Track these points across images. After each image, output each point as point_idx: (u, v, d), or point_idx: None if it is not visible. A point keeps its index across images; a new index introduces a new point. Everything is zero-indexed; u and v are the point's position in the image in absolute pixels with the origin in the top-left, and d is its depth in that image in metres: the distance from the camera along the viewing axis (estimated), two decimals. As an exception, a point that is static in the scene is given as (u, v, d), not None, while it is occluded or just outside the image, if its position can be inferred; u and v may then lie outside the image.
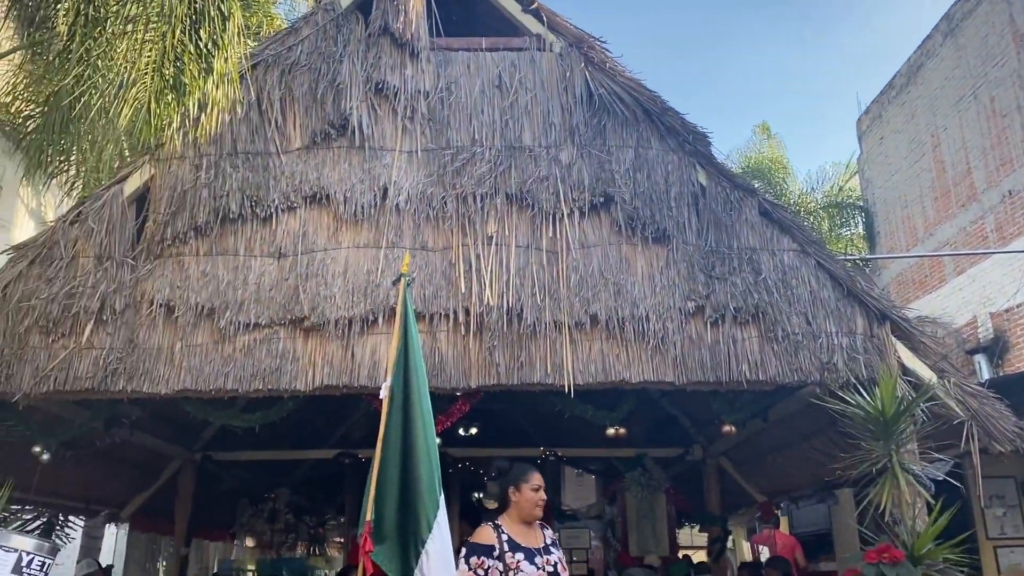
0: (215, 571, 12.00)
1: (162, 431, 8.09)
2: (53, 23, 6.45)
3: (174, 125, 5.43)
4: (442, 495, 4.04)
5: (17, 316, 5.12)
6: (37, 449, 5.87)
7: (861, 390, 4.77)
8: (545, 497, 4.18)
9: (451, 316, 5.11)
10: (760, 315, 5.15)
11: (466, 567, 3.92)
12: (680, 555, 10.60)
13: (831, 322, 5.17)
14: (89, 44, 5.52)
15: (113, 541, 11.39)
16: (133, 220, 5.46)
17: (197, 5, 5.54)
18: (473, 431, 10.63)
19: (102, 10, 5.56)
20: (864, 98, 17.57)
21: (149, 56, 5.45)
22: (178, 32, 5.47)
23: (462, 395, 5.38)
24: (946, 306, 11.81)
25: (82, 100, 6.28)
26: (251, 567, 12.14)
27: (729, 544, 12.26)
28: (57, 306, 5.15)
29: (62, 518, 8.24)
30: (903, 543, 4.37)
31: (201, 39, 5.49)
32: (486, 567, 3.92)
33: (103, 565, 8.19)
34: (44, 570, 1.77)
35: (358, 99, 5.65)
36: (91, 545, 10.44)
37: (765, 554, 12.30)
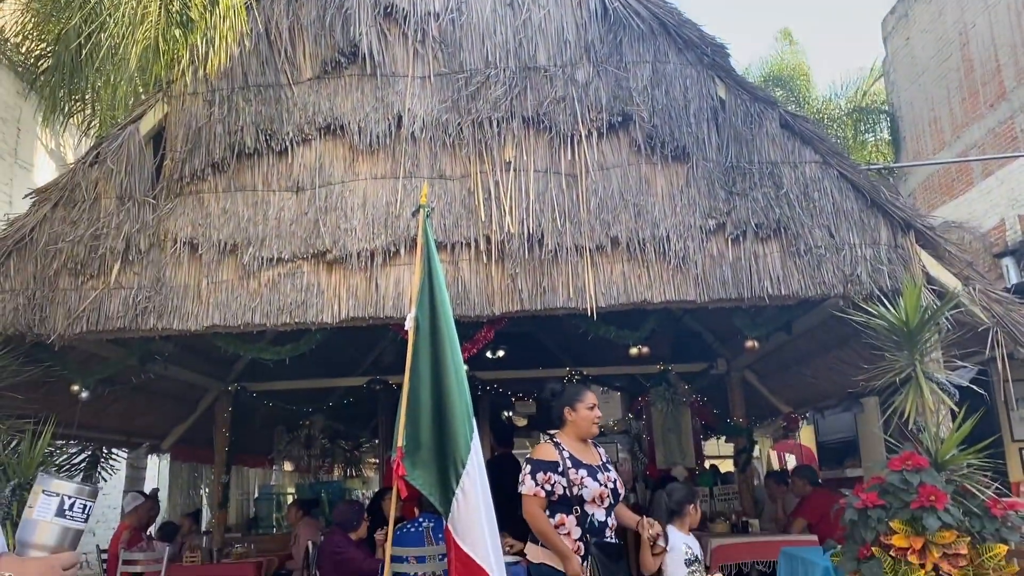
0: (256, 496, 12.42)
1: (196, 364, 8.28)
2: (55, -40, 6.36)
3: (184, 61, 5.38)
4: (473, 419, 4.14)
5: (46, 259, 5.21)
6: (75, 387, 6.05)
7: (885, 301, 4.76)
8: (600, 415, 4.27)
9: (472, 244, 5.12)
10: (782, 230, 5.11)
11: (533, 483, 4.03)
12: (707, 466, 10.83)
13: (854, 234, 5.12)
14: (93, -19, 5.44)
15: (156, 471, 11.79)
16: (151, 159, 5.48)
17: (199, -65, 5.42)
18: (500, 354, 10.79)
19: (103, -55, 5.47)
20: (890, -4, 16.94)
21: (154, -9, 5.37)
22: (181, -35, 5.37)
23: (486, 322, 5.43)
24: (973, 210, 11.61)
25: (91, 40, 6.24)
26: (290, 491, 12.56)
27: (756, 453, 12.48)
28: (84, 248, 5.23)
29: (105, 451, 8.54)
30: (927, 450, 4.40)
31: (205, -29, 5.39)
32: (552, 483, 4.02)
33: (149, 491, 8.49)
34: (86, 512, 1.84)
35: (367, 24, 5.54)
36: (135, 476, 10.83)
37: (791, 462, 12.52)
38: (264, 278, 5.12)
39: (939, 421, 4.65)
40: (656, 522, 4.19)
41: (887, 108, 15.01)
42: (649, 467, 9.77)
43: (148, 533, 7.96)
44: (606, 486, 4.10)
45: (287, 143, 5.36)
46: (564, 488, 4.02)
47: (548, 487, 4.02)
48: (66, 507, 1.79)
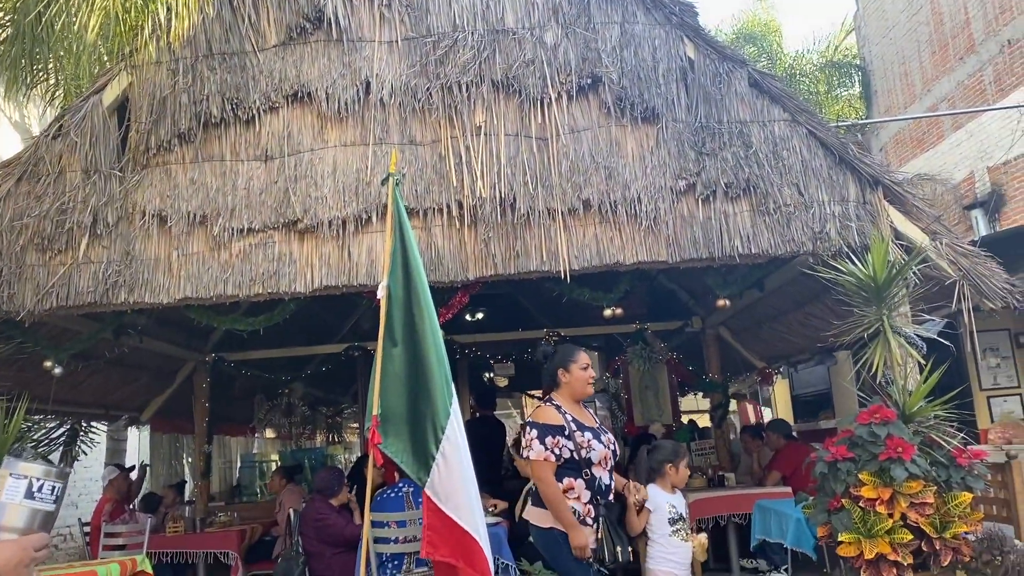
0: (239, 465, 12.47)
1: (171, 336, 8.25)
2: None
3: (146, 31, 5.27)
4: (452, 385, 4.16)
5: (12, 235, 5.14)
6: (48, 363, 6.01)
7: (853, 257, 4.82)
8: (594, 374, 4.23)
9: (444, 210, 5.11)
10: (751, 188, 5.15)
11: (542, 447, 3.97)
12: (685, 421, 10.99)
13: (823, 191, 5.17)
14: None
15: (137, 443, 11.79)
16: (116, 131, 5.38)
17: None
18: (479, 316, 10.82)
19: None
20: (861, -52, 16.84)
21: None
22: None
23: (461, 287, 5.45)
24: (944, 163, 11.73)
25: (49, 8, 6.09)
26: (274, 458, 12.62)
27: (732, 407, 12.67)
28: (50, 223, 5.16)
29: (84, 425, 8.52)
30: (895, 403, 4.50)
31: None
32: (560, 446, 3.98)
33: (131, 465, 8.50)
34: (55, 494, 1.85)
35: (332, -13, 5.44)
36: (116, 448, 10.82)
37: (768, 416, 12.72)
38: (235, 249, 5.09)
39: (907, 374, 4.74)
40: (641, 487, 4.26)
41: (859, 63, 15.03)
42: (627, 425, 9.90)
43: (132, 505, 7.99)
44: (608, 448, 4.10)
45: (254, 112, 5.29)
46: (572, 452, 3.98)
47: (556, 451, 3.97)
48: (35, 489, 1.80)
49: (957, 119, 11.41)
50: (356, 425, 14.39)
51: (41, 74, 9.07)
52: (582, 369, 4.18)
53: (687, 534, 4.31)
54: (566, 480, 3.99)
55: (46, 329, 6.03)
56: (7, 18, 8.90)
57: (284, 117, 5.30)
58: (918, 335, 4.84)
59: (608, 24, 5.42)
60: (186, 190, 5.21)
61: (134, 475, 8.61)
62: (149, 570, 5.45)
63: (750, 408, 14.01)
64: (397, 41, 5.41)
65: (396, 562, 5.15)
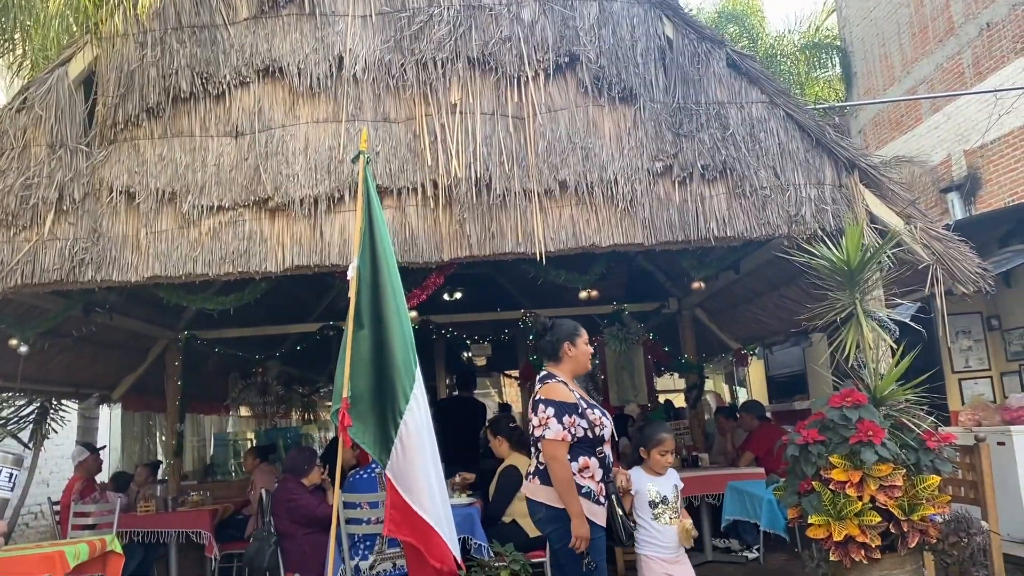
0: (212, 443, 12.40)
1: (142, 314, 8.13)
2: None
3: (112, 1, 5.14)
4: (417, 368, 4.13)
5: (-26, 211, 5.02)
6: (14, 342, 5.90)
7: (828, 241, 4.81)
8: (590, 350, 4.17)
9: (419, 189, 5.05)
10: (728, 171, 5.12)
11: (560, 427, 3.82)
12: (661, 400, 11.04)
13: (799, 174, 5.15)
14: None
15: (108, 421, 11.67)
16: (82, 104, 5.26)
17: None
18: (457, 296, 10.77)
19: None
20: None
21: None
22: None
23: (435, 268, 5.39)
24: (922, 145, 11.76)
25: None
26: (249, 436, 12.55)
27: (708, 387, 12.74)
28: (14, 198, 5.04)
29: (54, 402, 8.42)
30: (867, 386, 4.52)
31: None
32: (576, 425, 3.86)
33: (101, 445, 8.41)
34: (12, 481, 1.80)
35: (304, -41, 5.32)
36: (88, 426, 10.71)
37: (743, 397, 12.81)
38: (205, 227, 5.00)
39: (879, 357, 4.76)
40: (624, 471, 4.21)
41: (839, 44, 15.01)
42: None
43: (101, 483, 7.91)
44: (611, 422, 4.05)
45: (224, 86, 5.18)
46: (585, 430, 3.87)
47: (573, 430, 3.84)
48: (-12, 476, 1.74)
49: (936, 102, 11.44)
50: (331, 404, 14.33)
51: (7, 44, 8.87)
52: (585, 344, 4.11)
53: (671, 518, 4.27)
54: (581, 459, 3.86)
55: (12, 307, 5.92)
56: (-29, -13, 8.68)
57: (255, 92, 5.20)
58: (891, 319, 4.85)
59: (586, 1, 5.35)
60: (155, 166, 5.10)
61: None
62: (119, 550, 5.39)
63: (725, 389, 14.13)
64: (371, 15, 5.31)
65: (368, 543, 5.14)
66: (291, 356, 10.88)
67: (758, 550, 7.20)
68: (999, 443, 6.57)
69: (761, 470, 6.82)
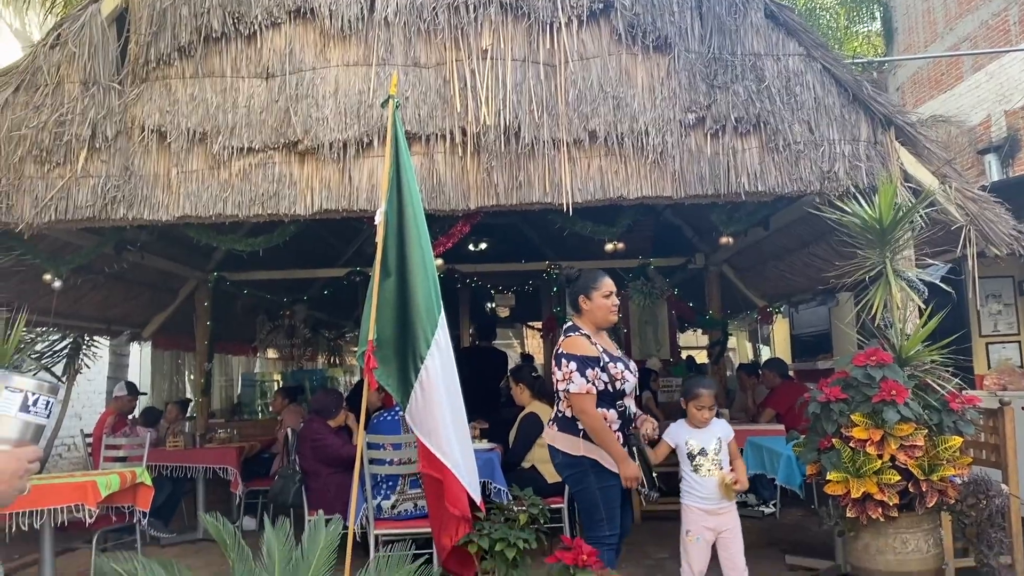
0: (240, 383, 12.62)
1: (173, 253, 8.24)
2: None
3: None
4: (441, 314, 4.16)
5: (10, 146, 5.07)
6: (48, 276, 6.01)
7: (861, 198, 4.75)
8: (618, 302, 4.09)
9: (447, 136, 5.02)
10: (762, 124, 5.04)
11: (584, 380, 3.86)
12: (683, 356, 11.06)
13: (834, 130, 5.06)
14: None
15: (139, 358, 11.92)
16: (115, 42, 5.26)
17: None
18: (483, 246, 10.79)
19: None
20: None
21: None
22: None
23: (462, 216, 5.40)
24: (961, 104, 11.49)
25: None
26: (276, 378, 12.77)
27: (731, 345, 12.73)
28: (48, 135, 5.08)
29: (87, 338, 8.60)
30: (892, 346, 4.50)
31: None
32: (597, 378, 3.90)
33: (137, 391, 8.57)
34: (48, 408, 1.85)
35: (339, -103, 5.24)
36: (119, 363, 10.95)
37: (766, 355, 12.79)
38: (235, 168, 5.03)
39: (906, 318, 4.73)
40: (650, 418, 4.21)
41: (881, -3, 14.61)
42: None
43: (132, 417, 8.11)
44: (635, 376, 4.09)
45: (256, 27, 5.15)
46: (606, 383, 3.92)
47: (595, 383, 3.89)
48: (29, 403, 1.80)
49: (977, 61, 11.14)
50: (356, 349, 14.52)
51: (40, -20, 8.88)
52: (604, 297, 4.03)
53: (709, 469, 4.32)
54: (600, 411, 3.90)
55: (46, 242, 6.02)
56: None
57: (286, 34, 5.17)
58: (921, 279, 4.80)
59: (622, -53, 5.22)
60: (186, 106, 5.12)
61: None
62: (148, 482, 5.56)
63: (748, 347, 14.10)
64: (404, -43, 5.23)
65: (391, 483, 5.25)
66: (318, 300, 11.01)
67: (774, 505, 7.27)
68: (1023, 408, 6.52)
69: (781, 427, 6.83)
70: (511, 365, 8.50)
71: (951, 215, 5.01)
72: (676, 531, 4.57)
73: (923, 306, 4.69)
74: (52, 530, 5.11)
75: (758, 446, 6.36)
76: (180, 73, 5.17)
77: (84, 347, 8.52)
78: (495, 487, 5.19)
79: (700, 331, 11.24)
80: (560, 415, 4.01)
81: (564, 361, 3.93)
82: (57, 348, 8.49)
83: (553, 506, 5.15)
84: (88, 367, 8.78)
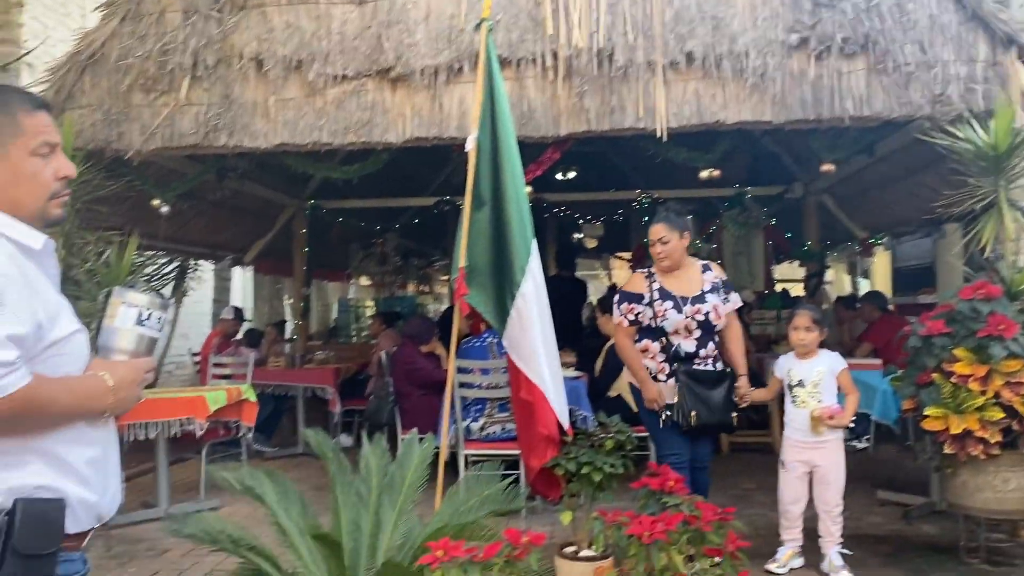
0: (336, 308, 13.03)
1: (271, 181, 8.48)
2: None
3: None
4: (534, 242, 4.18)
5: (118, 75, 5.26)
6: (156, 202, 6.29)
7: (975, 123, 4.48)
8: (660, 250, 4.23)
9: (538, 61, 4.94)
10: (870, 45, 4.76)
11: (618, 313, 4.31)
12: (778, 289, 10.81)
13: (949, 49, 4.74)
14: None
15: (241, 282, 12.41)
16: (214, -30, 5.35)
17: None
18: (571, 175, 10.69)
19: None
20: None
21: None
22: None
23: (552, 143, 5.34)
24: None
25: None
26: (368, 304, 13.13)
27: (828, 278, 12.36)
28: (153, 64, 5.24)
29: (193, 262, 9.00)
30: (1002, 279, 4.29)
31: None
32: (636, 312, 4.26)
33: (242, 315, 8.95)
34: (160, 323, 1.97)
35: None
36: (222, 286, 11.44)
37: (864, 289, 12.38)
38: (330, 96, 5.09)
39: (1018, 250, 4.49)
40: (749, 391, 4.30)
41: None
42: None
43: (236, 339, 8.51)
44: (692, 318, 4.17)
45: (348, -49, 5.14)
46: (649, 319, 4.22)
47: (631, 316, 4.26)
48: (144, 317, 1.91)
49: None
50: (445, 278, 14.75)
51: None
52: (651, 246, 4.30)
53: (804, 401, 4.27)
54: (644, 342, 4.28)
55: (153, 169, 6.27)
56: None
57: (378, -43, 5.14)
58: (1037, 209, 4.54)
59: None
60: (282, 33, 5.18)
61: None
62: (253, 399, 5.87)
63: (846, 280, 13.66)
64: None
65: (479, 406, 5.39)
66: (408, 229, 11.20)
67: (868, 440, 7.13)
68: None
69: (878, 361, 6.65)
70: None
71: (1075, 141, 4.68)
72: (765, 463, 4.56)
73: (1039, 237, 4.45)
74: (166, 441, 5.47)
75: (854, 380, 6.22)
76: (275, 0, 5.22)
77: (190, 271, 8.91)
78: (581, 414, 5.27)
79: (796, 263, 10.93)
80: None
81: (616, 295, 4.45)
82: (165, 271, 8.90)
83: (639, 434, 5.19)
84: (194, 290, 9.20)
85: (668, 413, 4.14)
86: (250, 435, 6.29)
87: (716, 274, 4.34)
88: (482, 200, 4.23)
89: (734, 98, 4.89)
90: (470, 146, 4.27)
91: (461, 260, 4.23)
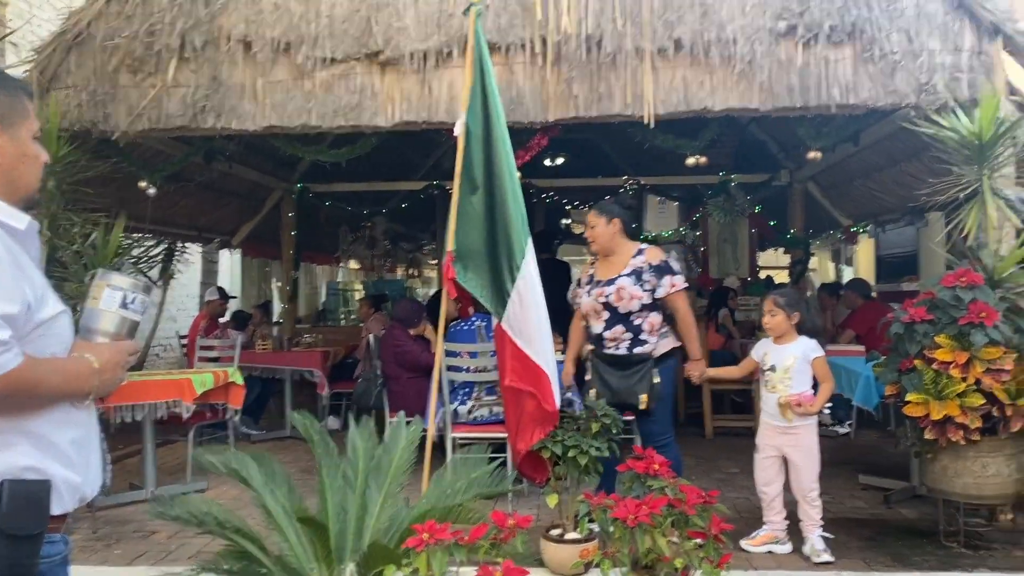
0: (324, 291, 13.02)
1: (260, 164, 8.46)
2: None
3: None
4: (527, 225, 4.20)
5: (104, 55, 5.23)
6: (143, 183, 6.26)
7: (959, 112, 4.52)
8: (589, 234, 4.58)
9: (527, 46, 4.94)
10: (857, 33, 4.78)
11: (572, 295, 4.75)
12: (762, 276, 10.88)
13: (935, 38, 4.77)
14: None
15: (229, 264, 12.37)
16: (200, -50, 5.30)
17: None
18: (560, 161, 10.70)
19: None
20: None
21: None
22: None
23: (540, 129, 5.35)
24: (1080, 12, 10.65)
25: None
26: (357, 287, 13.13)
27: (812, 265, 12.44)
28: (140, 44, 5.20)
29: (180, 245, 8.97)
30: (984, 267, 4.34)
31: None
32: (578, 296, 4.65)
33: (228, 295, 8.92)
34: (144, 307, 1.98)
35: None
36: (209, 269, 11.40)
37: (848, 276, 12.47)
38: (318, 79, 5.08)
39: (1001, 238, 4.54)
40: (697, 367, 4.57)
41: None
42: (702, 276, 9.87)
43: (224, 321, 8.49)
44: (596, 300, 4.43)
45: (337, -67, 5.11)
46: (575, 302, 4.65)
47: (575, 300, 4.67)
48: (128, 300, 1.92)
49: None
50: (435, 262, 14.76)
51: None
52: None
53: (774, 387, 4.32)
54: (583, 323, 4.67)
55: (140, 150, 6.24)
56: None
57: (368, -60, 5.12)
58: (1020, 198, 4.59)
59: None
60: (270, 15, 5.15)
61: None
62: (240, 382, 5.88)
63: (830, 267, 13.75)
64: None
65: (467, 389, 5.41)
66: (397, 213, 11.18)
67: (850, 425, 7.22)
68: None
69: (861, 347, 6.72)
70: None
71: (1058, 131, 4.73)
72: (748, 447, 4.61)
73: (1021, 226, 4.50)
74: (152, 423, 5.48)
75: (836, 367, 6.27)
76: (264, -19, 5.19)
77: (177, 253, 8.89)
78: (568, 397, 5.30)
79: (781, 250, 11.00)
80: None
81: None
82: (152, 253, 8.87)
83: (627, 418, 5.23)
84: (181, 272, 9.18)
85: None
86: (237, 418, 6.29)
87: (647, 258, 4.42)
88: (475, 185, 4.24)
89: (721, 85, 4.91)
90: (458, 130, 4.28)
91: (449, 244, 4.25)
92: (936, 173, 4.70)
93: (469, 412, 5.33)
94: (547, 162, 10.47)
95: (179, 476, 6.09)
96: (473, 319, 5.51)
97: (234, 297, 9.46)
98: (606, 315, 4.40)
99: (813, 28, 4.82)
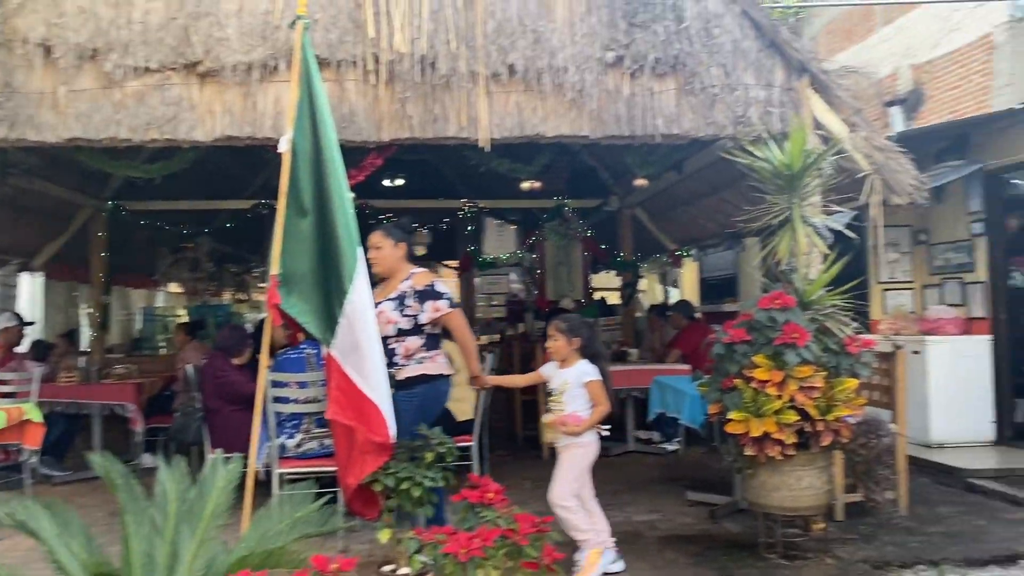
0: (141, 317, 12.16)
1: (65, 179, 7.77)
2: None
3: None
4: (360, 249, 4.04)
5: None
6: (-78, 201, 5.58)
7: (771, 144, 4.79)
8: (372, 255, 4.36)
9: (359, 63, 4.80)
10: (680, 66, 5.00)
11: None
12: (595, 298, 11.19)
13: (750, 74, 5.06)
14: None
15: (31, 289, 11.30)
16: (-7, -56, 4.81)
17: None
18: (399, 182, 10.57)
19: None
20: None
21: None
22: None
23: (374, 148, 5.22)
24: (871, 56, 11.72)
25: None
26: (179, 312, 12.34)
27: (642, 287, 12.94)
28: (-83, 44, 4.65)
29: (-30, 267, 8.09)
30: (795, 290, 4.60)
31: None
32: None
33: (24, 320, 8.10)
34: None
35: None
36: (7, 294, 10.37)
37: (675, 298, 13.06)
38: (129, 89, 4.70)
39: (810, 263, 4.84)
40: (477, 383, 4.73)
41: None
42: (539, 298, 10.02)
43: (20, 349, 7.69)
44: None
45: (152, -65, 4.78)
46: None
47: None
48: None
49: (889, 13, 11.37)
50: (264, 285, 14.17)
51: None
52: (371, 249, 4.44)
53: (549, 408, 4.40)
54: None
55: (-81, 163, 5.57)
56: None
57: (186, -56, 4.82)
58: (826, 226, 4.91)
59: None
60: (75, 19, 4.73)
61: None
62: (38, 419, 5.33)
63: (658, 289, 14.37)
64: None
65: (295, 421, 5.14)
66: (223, 233, 10.63)
67: (678, 443, 7.48)
68: (914, 352, 6.85)
69: (687, 367, 7.00)
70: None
71: (858, 163, 5.12)
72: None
73: (827, 252, 4.80)
74: (-70, 469, 4.85)
75: (664, 386, 6.50)
76: (67, -18, 4.77)
77: (-33, 276, 8.01)
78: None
79: (613, 272, 11.37)
80: None
81: None
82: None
83: (462, 444, 5.14)
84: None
85: None
86: (35, 459, 5.69)
87: (413, 283, 4.41)
88: (304, 209, 4.05)
89: (553, 112, 4.98)
90: (283, 147, 4.08)
91: (274, 268, 4.02)
92: (752, 201, 4.96)
93: (297, 446, 5.06)
94: (386, 182, 10.31)
95: (-36, 527, 5.40)
96: (303, 346, 5.26)
97: (32, 323, 8.58)
98: (381, 332, 4.30)
99: (639, 60, 4.99)
